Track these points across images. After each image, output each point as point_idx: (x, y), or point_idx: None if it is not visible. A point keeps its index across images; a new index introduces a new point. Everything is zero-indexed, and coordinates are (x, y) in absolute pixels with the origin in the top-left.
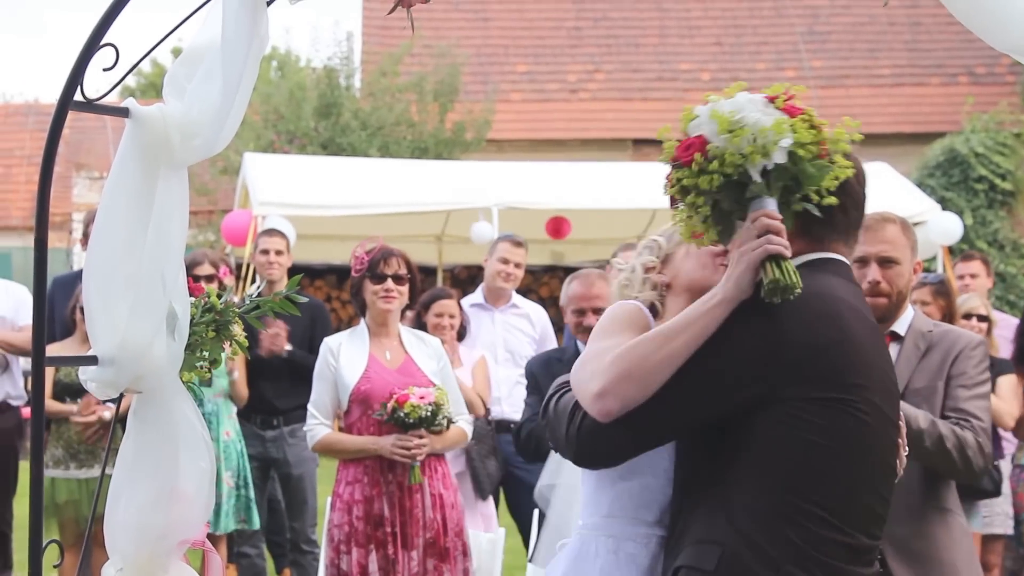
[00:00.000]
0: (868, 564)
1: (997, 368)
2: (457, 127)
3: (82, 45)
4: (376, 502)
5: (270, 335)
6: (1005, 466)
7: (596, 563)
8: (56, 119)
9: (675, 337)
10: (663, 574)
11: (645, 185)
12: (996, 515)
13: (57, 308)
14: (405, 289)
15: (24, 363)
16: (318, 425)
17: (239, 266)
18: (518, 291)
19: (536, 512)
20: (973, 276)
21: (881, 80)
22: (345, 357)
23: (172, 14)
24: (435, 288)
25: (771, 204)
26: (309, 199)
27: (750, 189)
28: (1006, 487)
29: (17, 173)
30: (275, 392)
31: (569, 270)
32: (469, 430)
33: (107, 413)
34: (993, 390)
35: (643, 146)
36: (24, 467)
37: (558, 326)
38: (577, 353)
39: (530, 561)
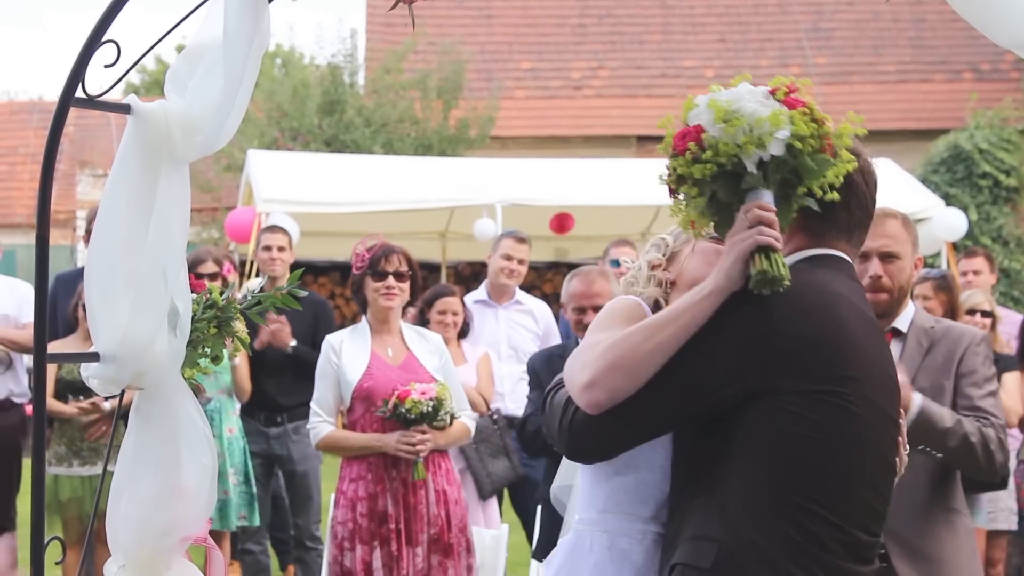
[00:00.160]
0: (867, 561)
1: (1001, 364)
2: (461, 124)
3: (84, 42)
4: (380, 499)
5: (272, 329)
6: (1011, 462)
7: (590, 559)
8: (57, 116)
9: (664, 327)
10: (660, 570)
11: (649, 182)
12: (1000, 511)
13: (60, 305)
14: (406, 286)
15: (28, 360)
16: (321, 423)
17: (242, 263)
18: (522, 287)
19: (539, 508)
20: (976, 272)
21: (885, 76)
22: (347, 354)
23: (174, 12)
24: (438, 285)
25: (767, 196)
26: (313, 196)
27: (746, 180)
28: (1010, 483)
29: (21, 171)
30: (278, 389)
31: (573, 267)
32: (472, 426)
33: (107, 404)
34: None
35: (647, 143)
36: (28, 464)
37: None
38: None
39: (534, 558)
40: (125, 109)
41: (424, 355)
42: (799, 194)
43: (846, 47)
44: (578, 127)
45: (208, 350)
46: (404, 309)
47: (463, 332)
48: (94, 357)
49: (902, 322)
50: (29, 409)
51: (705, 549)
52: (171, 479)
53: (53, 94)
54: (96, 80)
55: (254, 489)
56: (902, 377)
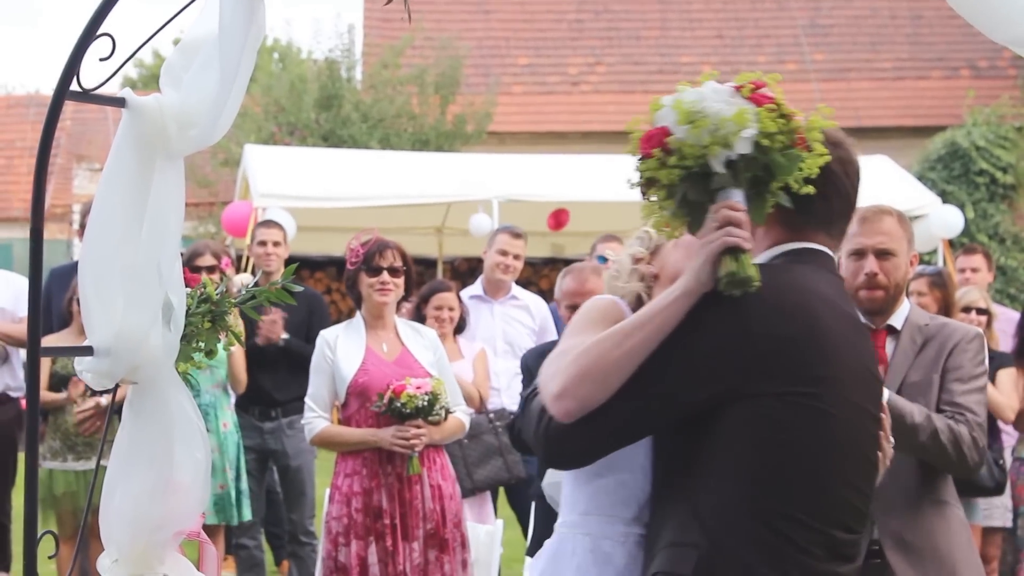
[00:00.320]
0: (849, 559)
1: (997, 361)
2: (458, 119)
3: (79, 36)
4: (375, 494)
5: (268, 322)
6: (1007, 459)
7: (572, 561)
8: (52, 109)
9: (634, 333)
10: (642, 575)
11: None
12: (995, 508)
13: (54, 300)
14: (401, 281)
15: (24, 355)
16: (316, 418)
17: (239, 258)
18: (518, 283)
19: (534, 504)
20: (975, 270)
21: (882, 73)
22: (342, 350)
23: (170, 5)
24: (434, 281)
25: (737, 195)
26: (309, 191)
27: (715, 180)
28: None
29: (19, 164)
30: (273, 383)
31: (569, 263)
32: (467, 421)
33: (103, 400)
34: (993, 383)
35: None
36: (23, 459)
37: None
38: None
39: (528, 554)
40: (120, 103)
41: (419, 350)
42: (773, 190)
43: (843, 44)
44: (575, 123)
45: (202, 344)
46: (399, 304)
47: (459, 328)
48: (88, 351)
49: (897, 319)
50: (25, 403)
51: (684, 555)
52: (165, 473)
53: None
54: (91, 74)
55: (243, 485)
56: None
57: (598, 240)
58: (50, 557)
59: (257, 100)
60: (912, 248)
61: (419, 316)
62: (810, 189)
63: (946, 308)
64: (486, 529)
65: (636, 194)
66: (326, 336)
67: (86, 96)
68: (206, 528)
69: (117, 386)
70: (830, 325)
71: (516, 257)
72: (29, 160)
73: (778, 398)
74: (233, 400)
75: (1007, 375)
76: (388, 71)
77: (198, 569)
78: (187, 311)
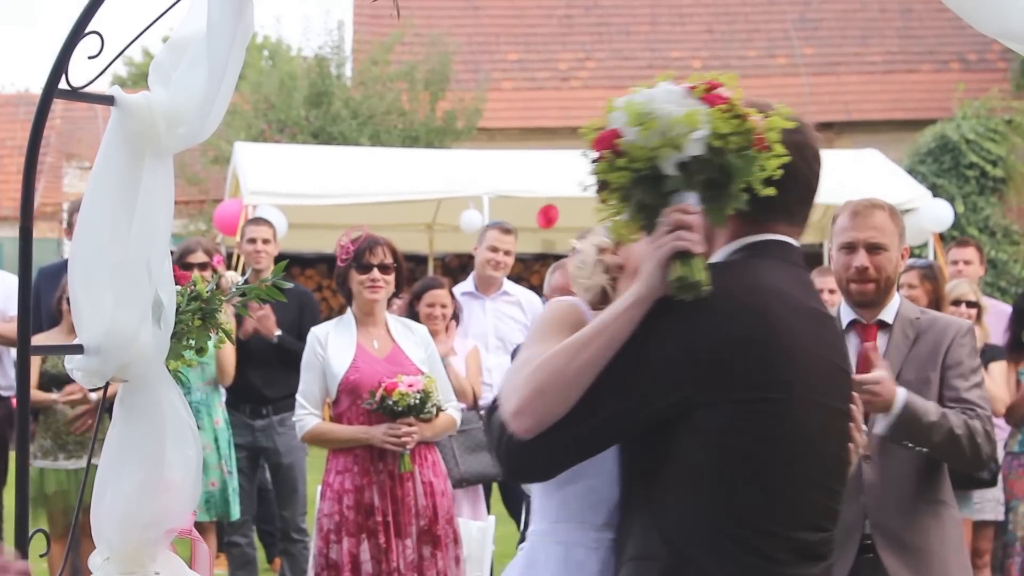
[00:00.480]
0: (819, 558)
1: (988, 354)
2: (448, 116)
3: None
4: (367, 491)
5: (257, 316)
6: (999, 453)
7: (546, 571)
8: (41, 107)
9: (588, 345)
10: None
11: None
12: (987, 501)
13: (43, 298)
14: (391, 278)
15: (14, 353)
16: (307, 415)
17: (229, 255)
18: (509, 279)
19: (525, 501)
20: (967, 263)
21: (872, 67)
22: (333, 347)
23: (158, 3)
24: (427, 278)
25: (690, 198)
26: (300, 188)
27: (667, 183)
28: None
29: (8, 163)
30: (264, 381)
31: (559, 258)
32: (458, 417)
33: (93, 395)
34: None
35: None
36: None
37: None
38: None
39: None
40: (109, 100)
41: (410, 347)
42: (732, 193)
43: (833, 37)
44: (565, 118)
45: (193, 342)
46: (390, 300)
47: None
48: (78, 349)
49: (888, 314)
50: (15, 402)
51: (646, 569)
52: (156, 471)
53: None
54: (80, 72)
55: (234, 483)
56: (881, 373)
57: (579, 235)
58: (41, 555)
59: (247, 97)
60: (903, 242)
61: (412, 313)
62: (771, 191)
63: (936, 301)
64: (478, 525)
65: None
66: (317, 333)
67: (75, 94)
68: (198, 526)
69: (108, 384)
70: (788, 324)
71: (507, 253)
72: (19, 159)
73: (735, 406)
74: (224, 397)
75: (998, 368)
76: (378, 68)
77: (190, 567)
78: (177, 309)
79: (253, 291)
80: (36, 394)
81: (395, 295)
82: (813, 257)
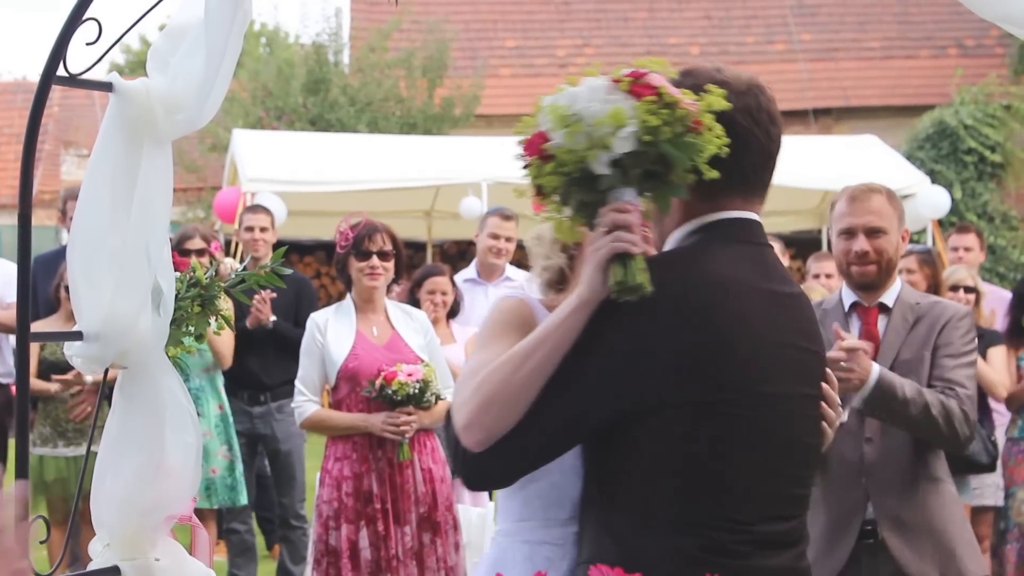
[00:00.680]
0: (786, 546)
1: (987, 339)
2: (446, 102)
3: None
4: (365, 478)
5: (257, 301)
6: (999, 439)
7: (513, 571)
8: (39, 93)
9: (533, 354)
10: None
11: None
12: (987, 487)
13: (39, 286)
14: (391, 265)
15: (13, 341)
16: (306, 402)
17: (227, 242)
18: (511, 264)
19: None
20: (967, 249)
21: (870, 53)
22: (332, 333)
23: None
24: (428, 265)
25: (628, 194)
26: (298, 175)
27: (602, 181)
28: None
29: (6, 151)
30: (261, 367)
31: None
32: None
33: (89, 378)
34: (983, 360)
35: None
36: (13, 445)
37: None
38: None
39: None
40: (107, 87)
41: (409, 334)
42: (675, 179)
43: (831, 23)
44: None
45: (192, 328)
46: (389, 286)
47: (453, 312)
48: (78, 336)
49: (889, 297)
50: (15, 390)
51: None
52: (155, 458)
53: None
54: (78, 58)
55: (240, 468)
56: (855, 342)
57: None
58: (41, 542)
59: (244, 85)
60: (903, 224)
61: (412, 300)
62: (715, 174)
63: (935, 287)
64: (478, 512)
65: None
66: (316, 319)
67: (73, 81)
68: (198, 513)
69: (107, 371)
70: (740, 318)
71: (508, 240)
72: (16, 147)
73: (685, 408)
74: (222, 382)
75: (998, 353)
76: (375, 55)
77: (190, 554)
78: (176, 295)
79: (252, 277)
80: (35, 382)
81: (394, 281)
82: (812, 243)
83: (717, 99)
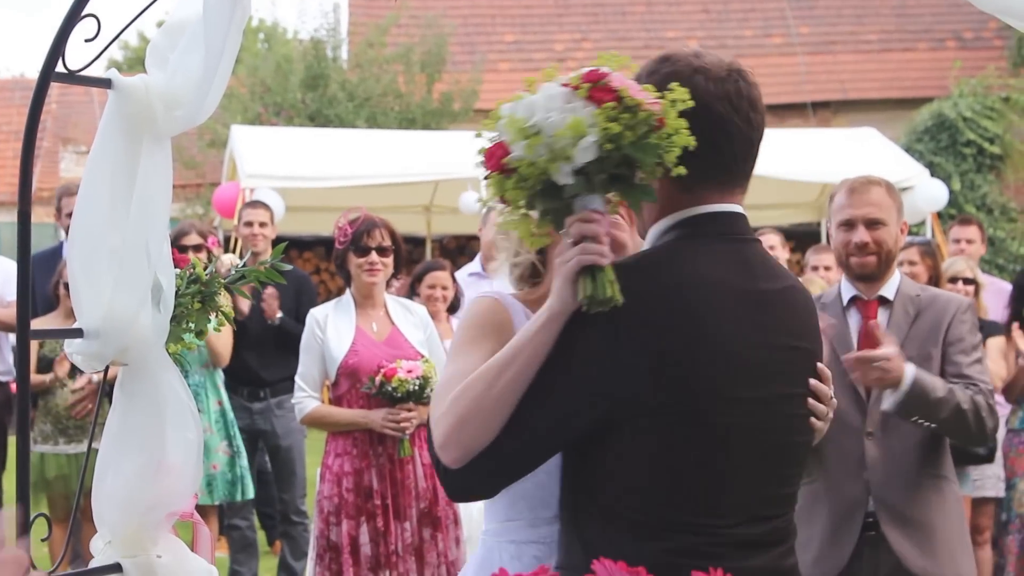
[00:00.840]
0: (768, 546)
1: (985, 330)
2: (444, 97)
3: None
4: (366, 474)
5: (265, 296)
6: (1000, 430)
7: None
8: (38, 90)
9: (506, 369)
10: None
11: None
12: (987, 478)
13: (37, 283)
14: (390, 260)
15: (13, 339)
16: (307, 398)
17: (227, 238)
18: None
19: None
20: (969, 241)
21: (869, 46)
22: (332, 329)
23: None
24: (429, 260)
25: (594, 202)
26: (297, 171)
27: (567, 189)
28: (998, 451)
29: (5, 149)
30: (261, 363)
31: None
32: None
33: (95, 376)
34: None
35: None
36: (14, 442)
37: None
38: None
39: None
40: (106, 84)
41: (408, 329)
42: (645, 177)
43: (829, 16)
44: None
45: (192, 325)
46: (388, 281)
47: (453, 307)
48: (78, 333)
49: (888, 290)
50: (15, 387)
51: None
52: (156, 455)
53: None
54: (77, 55)
55: (244, 462)
56: (891, 349)
57: None
58: (43, 540)
59: (243, 81)
60: (902, 216)
61: (412, 295)
62: (681, 170)
63: (936, 279)
64: (478, 506)
65: None
66: (316, 315)
67: (72, 77)
68: (199, 509)
69: (107, 368)
70: (716, 322)
71: None
72: (15, 144)
73: (659, 418)
74: (222, 379)
75: (996, 344)
76: (374, 50)
77: (192, 550)
78: (176, 292)
79: (252, 273)
80: (35, 378)
81: (394, 276)
82: (811, 236)
83: (681, 94)
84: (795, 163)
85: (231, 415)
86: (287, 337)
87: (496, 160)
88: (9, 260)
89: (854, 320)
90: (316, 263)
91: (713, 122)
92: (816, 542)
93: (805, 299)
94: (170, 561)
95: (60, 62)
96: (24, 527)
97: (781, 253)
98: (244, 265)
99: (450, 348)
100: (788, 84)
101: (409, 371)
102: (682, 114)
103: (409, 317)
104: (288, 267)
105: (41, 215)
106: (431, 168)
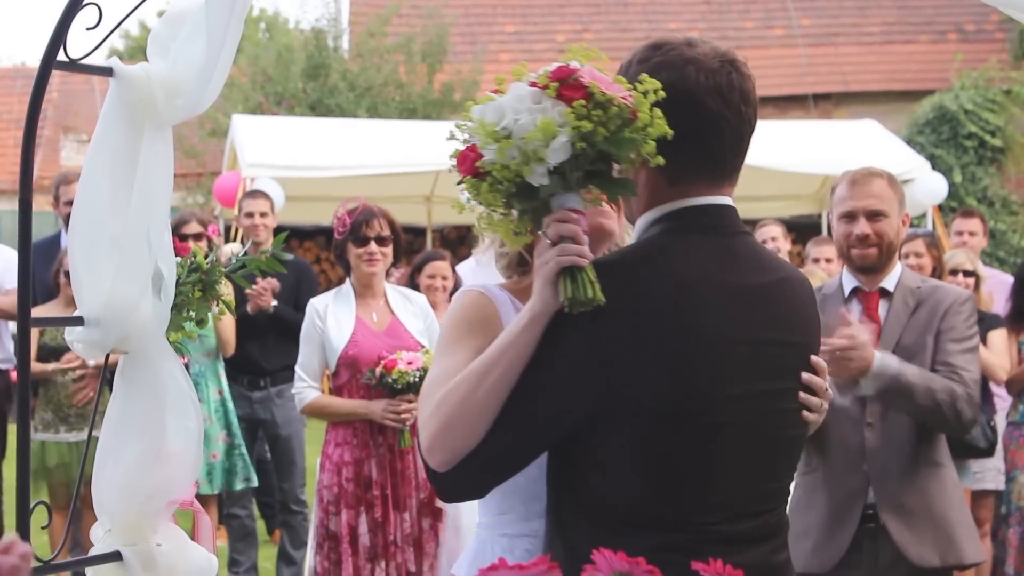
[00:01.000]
0: (757, 541)
1: (987, 323)
2: (445, 88)
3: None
4: (365, 464)
5: (255, 291)
6: (1000, 423)
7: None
8: (40, 78)
9: (490, 372)
10: None
11: None
12: (987, 471)
13: (35, 272)
14: (389, 250)
15: (13, 327)
16: (307, 388)
17: (227, 228)
18: None
19: None
20: (972, 233)
21: (870, 38)
22: (332, 319)
23: None
24: (428, 250)
25: (571, 200)
26: (297, 161)
27: (542, 189)
28: (998, 443)
29: (5, 137)
30: (261, 352)
31: None
32: None
33: (91, 361)
34: (984, 344)
35: None
36: (14, 430)
37: None
38: None
39: None
40: (107, 72)
41: (408, 318)
42: (624, 168)
43: (830, 8)
44: None
45: (193, 313)
46: (388, 271)
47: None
48: (78, 321)
49: (889, 281)
50: (15, 375)
51: None
52: (156, 443)
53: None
54: (78, 43)
55: (243, 451)
56: (857, 332)
57: None
58: (43, 528)
59: (244, 70)
60: (903, 208)
61: (412, 285)
62: (660, 161)
63: (939, 271)
64: None
65: None
66: (316, 305)
67: (73, 65)
68: (199, 498)
69: (108, 356)
70: (700, 319)
71: None
72: (16, 132)
73: (644, 418)
74: (223, 367)
75: (999, 336)
76: (375, 40)
77: (193, 539)
78: (177, 280)
79: (253, 262)
80: (35, 366)
81: (393, 265)
82: (812, 227)
83: (652, 84)
84: (796, 155)
85: (231, 404)
86: (287, 326)
87: (469, 164)
88: (8, 248)
89: (856, 312)
90: (317, 252)
91: (702, 115)
92: (815, 532)
93: (800, 291)
94: (170, 549)
95: (62, 50)
96: (24, 515)
97: (783, 244)
98: (245, 254)
99: (436, 345)
100: (789, 76)
101: (409, 362)
102: (672, 105)
103: (409, 306)
104: (289, 256)
105: (42, 203)
106: (432, 158)
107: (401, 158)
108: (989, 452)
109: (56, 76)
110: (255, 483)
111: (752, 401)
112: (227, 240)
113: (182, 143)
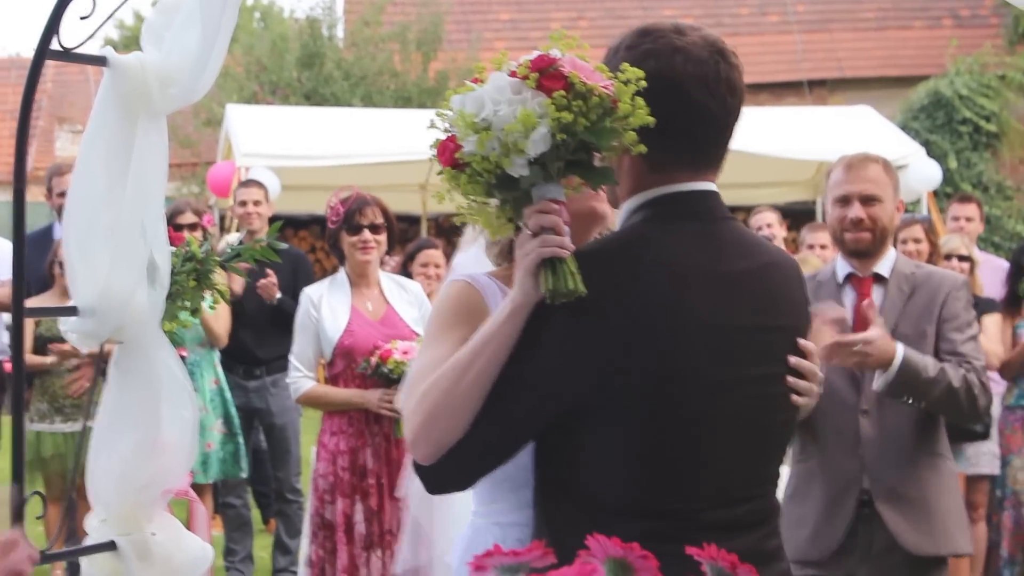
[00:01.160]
0: (746, 528)
1: (980, 307)
2: (440, 76)
3: None
4: (361, 453)
5: (261, 283)
6: (995, 408)
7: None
8: (34, 67)
9: (472, 364)
10: None
11: None
12: (983, 455)
13: (29, 263)
14: (383, 238)
15: (7, 318)
16: (302, 378)
17: (222, 217)
18: None
19: None
20: (968, 219)
21: (865, 24)
22: (327, 309)
23: None
24: (421, 239)
25: (552, 191)
26: (292, 150)
27: (523, 180)
28: (993, 428)
29: (0, 128)
30: (256, 341)
31: None
32: None
33: (83, 350)
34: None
35: None
36: (9, 421)
37: None
38: None
39: None
40: (101, 61)
41: (403, 307)
42: (605, 156)
43: None
44: None
45: (188, 303)
46: (382, 259)
47: None
48: (73, 311)
49: (884, 267)
50: (9, 366)
51: None
52: (151, 433)
53: (31, 50)
54: (72, 33)
55: (240, 440)
56: (874, 332)
57: None
58: (38, 518)
59: (239, 59)
60: (898, 194)
61: (405, 274)
62: (642, 148)
63: (935, 255)
64: None
65: None
66: (310, 294)
67: (67, 55)
68: (194, 487)
69: (103, 346)
70: (682, 307)
71: None
72: (10, 123)
73: (627, 407)
74: (218, 357)
75: (992, 321)
76: (370, 29)
77: (188, 528)
78: (172, 270)
79: (248, 251)
80: (31, 358)
81: (387, 253)
82: (807, 214)
83: (634, 74)
84: (791, 141)
85: (227, 394)
86: (284, 316)
87: (449, 155)
88: (4, 240)
89: (849, 298)
90: (312, 242)
91: (687, 105)
92: (811, 520)
93: (787, 275)
94: (165, 539)
95: (55, 40)
96: (19, 506)
97: (779, 231)
98: (240, 243)
99: (423, 335)
100: (784, 62)
101: (405, 352)
102: (658, 94)
103: (404, 295)
104: (284, 245)
105: (36, 194)
106: (427, 147)
107: (396, 147)
108: (984, 435)
109: (51, 66)
110: (246, 474)
111: (741, 387)
112: (222, 230)
113: (176, 133)
